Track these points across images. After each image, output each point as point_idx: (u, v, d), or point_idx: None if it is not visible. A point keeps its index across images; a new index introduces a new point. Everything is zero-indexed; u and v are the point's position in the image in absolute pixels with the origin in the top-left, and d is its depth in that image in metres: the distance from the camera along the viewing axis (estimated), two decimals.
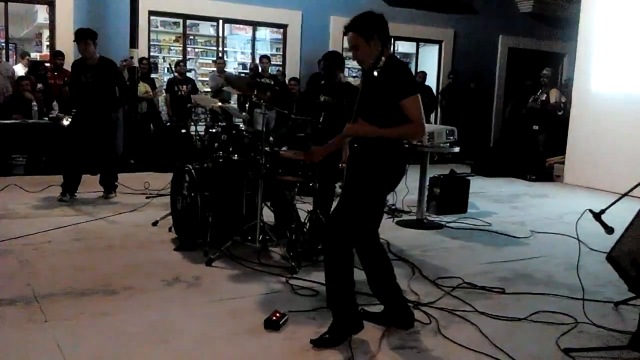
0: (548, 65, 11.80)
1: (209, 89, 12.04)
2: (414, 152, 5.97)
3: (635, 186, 3.38)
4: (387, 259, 3.49)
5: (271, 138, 4.93)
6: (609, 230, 3.31)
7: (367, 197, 3.24)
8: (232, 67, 12.27)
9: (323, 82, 5.31)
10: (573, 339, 3.46)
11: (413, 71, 13.09)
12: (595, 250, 5.01)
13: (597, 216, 3.36)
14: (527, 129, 11.09)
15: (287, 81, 11.07)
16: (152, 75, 10.90)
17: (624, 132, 8.88)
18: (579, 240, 4.01)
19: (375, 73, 3.20)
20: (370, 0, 12.29)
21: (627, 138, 8.81)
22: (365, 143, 3.24)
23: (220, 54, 11.76)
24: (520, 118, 11.61)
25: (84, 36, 6.56)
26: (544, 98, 10.93)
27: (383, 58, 3.18)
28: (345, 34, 3.31)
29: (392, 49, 12.86)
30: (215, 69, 11.17)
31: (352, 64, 13.50)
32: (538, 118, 10.97)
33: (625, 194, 3.40)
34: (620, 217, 3.65)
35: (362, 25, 3.20)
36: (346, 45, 12.51)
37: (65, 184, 6.74)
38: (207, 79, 12.55)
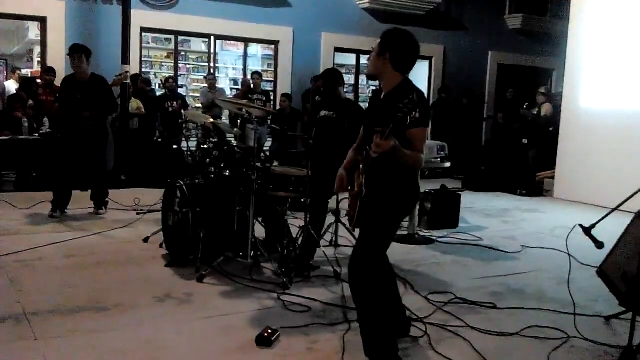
0: (538, 81, 11.92)
1: (199, 105, 12.06)
2: None
3: (625, 201, 3.41)
4: (390, 267, 3.49)
5: (263, 154, 4.95)
6: (599, 244, 3.33)
7: (395, 218, 3.17)
8: (224, 83, 12.30)
9: (318, 98, 5.38)
10: (565, 353, 3.47)
11: None
12: (586, 265, 5.03)
13: (587, 231, 3.38)
14: (517, 143, 11.17)
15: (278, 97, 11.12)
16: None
17: (613, 147, 8.96)
18: (569, 254, 4.03)
19: (383, 95, 3.17)
20: (361, 16, 12.50)
21: (616, 153, 8.88)
22: (388, 164, 3.01)
23: (211, 70, 11.78)
24: (510, 132, 11.69)
25: (78, 50, 6.57)
26: (535, 112, 11.02)
27: (393, 81, 3.12)
28: None
29: None
30: (206, 85, 11.20)
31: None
32: (528, 133, 11.06)
33: (615, 209, 3.43)
34: (610, 232, 3.67)
35: (385, 39, 3.13)
36: (337, 61, 12.74)
37: (55, 200, 6.71)
38: (197, 95, 12.58)
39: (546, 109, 11.01)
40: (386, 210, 3.08)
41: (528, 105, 11.26)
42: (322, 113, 5.08)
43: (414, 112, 2.84)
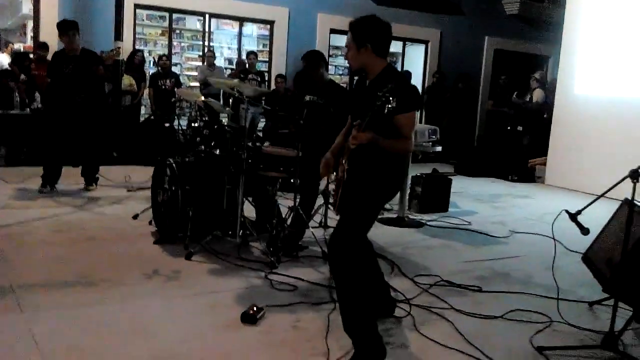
0: (533, 67, 11.90)
1: (194, 84, 12.01)
2: None
3: (611, 188, 3.42)
4: (372, 249, 3.51)
5: (255, 134, 4.93)
6: (585, 231, 3.34)
7: (375, 205, 3.16)
8: (218, 63, 12.22)
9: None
10: (547, 337, 3.50)
11: (399, 69, 13.16)
12: (573, 251, 5.07)
13: (573, 217, 3.40)
14: (508, 129, 11.19)
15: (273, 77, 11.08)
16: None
17: (605, 135, 8.98)
18: (554, 240, 4.05)
19: (367, 82, 3.16)
20: None
21: (608, 141, 8.91)
22: (370, 152, 3.04)
23: (208, 48, 11.70)
24: (501, 118, 11.70)
25: (70, 27, 6.51)
26: (527, 99, 11.03)
27: (377, 67, 3.11)
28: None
29: None
30: (204, 62, 11.13)
31: (338, 61, 13.56)
32: (521, 120, 11.07)
33: (601, 195, 3.44)
34: (597, 218, 3.70)
35: (358, 31, 3.09)
36: (333, 42, 12.68)
37: (45, 175, 6.69)
38: (192, 73, 12.53)
39: (537, 95, 11.02)
40: (366, 196, 3.09)
41: (518, 94, 11.28)
42: (307, 97, 4.95)
43: (392, 100, 2.81)
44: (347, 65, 13.39)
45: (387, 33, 3.14)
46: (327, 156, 3.42)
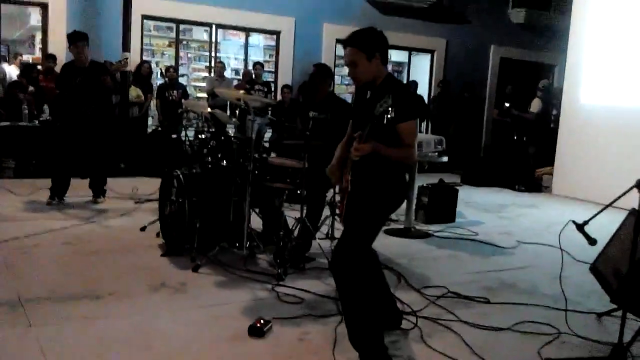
0: (539, 76, 11.89)
1: (201, 95, 12.06)
2: None
3: (618, 198, 3.41)
4: (377, 260, 3.52)
5: (261, 146, 4.94)
6: (592, 241, 3.33)
7: (379, 217, 3.17)
8: (225, 73, 12.28)
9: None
10: (555, 349, 3.49)
11: (404, 80, 13.18)
12: (580, 261, 5.05)
13: (580, 227, 3.39)
14: (513, 139, 11.19)
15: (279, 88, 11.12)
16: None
17: (612, 144, 8.96)
18: (562, 250, 4.04)
19: (369, 93, 3.17)
20: (363, 8, 12.46)
21: (615, 150, 8.88)
22: (373, 162, 3.05)
23: (217, 59, 11.74)
24: (505, 128, 11.70)
25: (80, 38, 6.56)
26: (530, 110, 11.06)
27: (381, 76, 3.13)
28: (344, 47, 3.19)
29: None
30: (211, 73, 11.17)
31: (344, 71, 13.57)
32: (524, 129, 11.07)
33: (608, 205, 3.43)
34: (605, 228, 3.69)
35: (366, 42, 3.08)
36: (340, 52, 12.71)
37: (54, 187, 6.73)
38: (199, 84, 12.58)
39: (534, 105, 11.01)
40: (370, 207, 3.09)
41: (512, 104, 11.33)
42: (311, 114, 4.87)
43: (391, 110, 2.82)
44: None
45: (387, 42, 3.17)
46: (333, 163, 3.44)
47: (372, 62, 3.09)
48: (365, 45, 3.08)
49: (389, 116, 2.84)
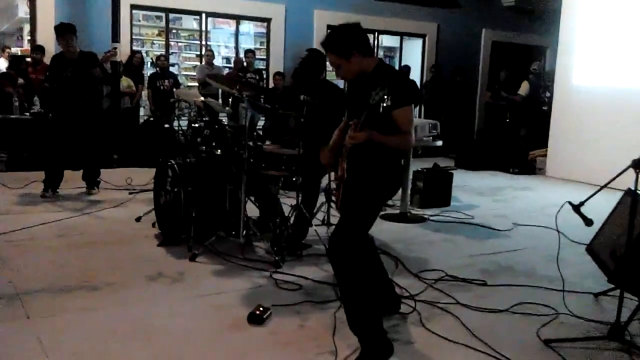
0: (531, 58, 11.87)
1: (192, 84, 11.99)
2: None
3: (614, 178, 3.42)
4: (374, 246, 3.54)
5: (255, 133, 4.91)
6: (588, 222, 3.35)
7: (375, 203, 3.16)
8: (216, 62, 12.22)
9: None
10: (553, 330, 3.51)
11: (396, 65, 13.13)
12: (576, 242, 5.06)
13: (577, 208, 3.40)
14: (509, 122, 11.19)
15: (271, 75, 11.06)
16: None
17: (605, 125, 8.98)
18: (558, 231, 4.06)
19: (362, 81, 3.14)
20: None
21: (608, 131, 8.90)
22: (369, 150, 3.04)
23: (207, 47, 11.67)
24: (501, 110, 11.70)
25: (68, 30, 6.49)
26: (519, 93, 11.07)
27: (371, 65, 3.11)
28: (325, 52, 3.19)
29: (376, 42, 12.93)
30: (203, 61, 11.11)
31: None
32: (514, 112, 11.08)
33: (604, 186, 3.44)
34: (600, 209, 3.70)
35: (340, 45, 3.08)
36: None
37: (47, 180, 6.68)
38: (190, 73, 12.51)
39: (523, 88, 11.01)
40: (366, 194, 3.09)
41: (497, 89, 11.34)
42: (302, 97, 4.86)
43: (387, 97, 2.83)
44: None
45: (362, 32, 3.14)
46: (327, 148, 3.44)
47: (351, 61, 3.08)
48: (339, 48, 3.08)
49: (384, 104, 2.85)
